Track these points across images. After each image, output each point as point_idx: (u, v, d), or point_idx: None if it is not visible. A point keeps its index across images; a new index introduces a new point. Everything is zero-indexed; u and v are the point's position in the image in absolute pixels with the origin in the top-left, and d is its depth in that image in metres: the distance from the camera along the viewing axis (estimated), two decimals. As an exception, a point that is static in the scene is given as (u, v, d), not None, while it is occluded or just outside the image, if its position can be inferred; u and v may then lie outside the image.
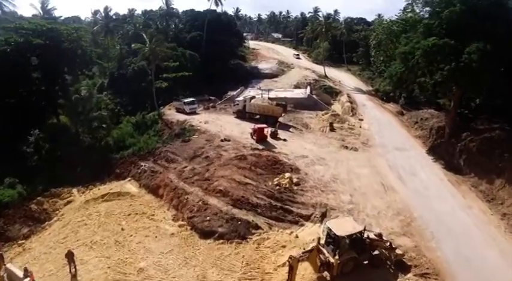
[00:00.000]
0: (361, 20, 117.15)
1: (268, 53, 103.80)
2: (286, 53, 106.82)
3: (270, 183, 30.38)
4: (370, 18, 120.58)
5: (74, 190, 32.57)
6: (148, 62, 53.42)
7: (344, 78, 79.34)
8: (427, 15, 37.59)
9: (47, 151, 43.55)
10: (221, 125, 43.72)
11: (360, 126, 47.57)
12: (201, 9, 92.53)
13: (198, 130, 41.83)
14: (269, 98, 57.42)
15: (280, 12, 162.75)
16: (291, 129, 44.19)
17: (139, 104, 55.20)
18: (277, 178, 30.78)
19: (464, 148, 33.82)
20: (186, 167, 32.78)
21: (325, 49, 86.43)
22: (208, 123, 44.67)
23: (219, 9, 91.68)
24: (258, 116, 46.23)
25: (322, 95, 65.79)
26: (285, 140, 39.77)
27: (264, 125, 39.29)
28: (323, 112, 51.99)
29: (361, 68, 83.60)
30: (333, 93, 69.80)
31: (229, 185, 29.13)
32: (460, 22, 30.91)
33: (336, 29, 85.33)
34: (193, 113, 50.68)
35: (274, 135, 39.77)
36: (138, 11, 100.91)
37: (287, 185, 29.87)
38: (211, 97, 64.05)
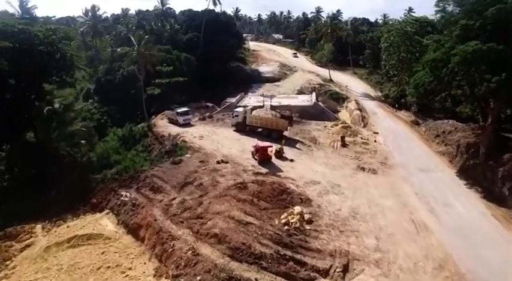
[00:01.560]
0: (365, 21, 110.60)
1: (269, 54, 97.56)
2: (288, 54, 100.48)
3: (277, 221, 24.24)
4: (371, 18, 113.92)
5: (38, 227, 26.23)
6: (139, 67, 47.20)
7: (350, 83, 73.15)
8: (456, 15, 31.26)
9: (21, 169, 37.63)
10: (218, 141, 37.43)
11: (375, 141, 41.36)
12: (199, 10, 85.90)
13: (191, 148, 35.57)
14: (271, 107, 51.39)
15: (281, 13, 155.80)
16: (297, 145, 37.93)
17: (129, 113, 49.05)
18: (285, 214, 24.63)
19: (508, 174, 27.73)
20: (174, 198, 26.53)
21: (329, 51, 80.00)
22: (203, 138, 38.41)
23: (217, 9, 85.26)
24: (260, 129, 39.95)
25: (329, 102, 59.66)
26: (292, 160, 33.51)
27: (268, 144, 32.96)
28: (332, 123, 45.72)
29: (369, 72, 77.33)
30: (339, 99, 63.82)
31: (226, 226, 22.93)
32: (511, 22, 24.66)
33: (342, 29, 78.84)
34: (188, 124, 44.47)
35: (279, 155, 33.54)
36: (133, 11, 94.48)
37: (297, 225, 23.72)
38: (208, 104, 57.91)
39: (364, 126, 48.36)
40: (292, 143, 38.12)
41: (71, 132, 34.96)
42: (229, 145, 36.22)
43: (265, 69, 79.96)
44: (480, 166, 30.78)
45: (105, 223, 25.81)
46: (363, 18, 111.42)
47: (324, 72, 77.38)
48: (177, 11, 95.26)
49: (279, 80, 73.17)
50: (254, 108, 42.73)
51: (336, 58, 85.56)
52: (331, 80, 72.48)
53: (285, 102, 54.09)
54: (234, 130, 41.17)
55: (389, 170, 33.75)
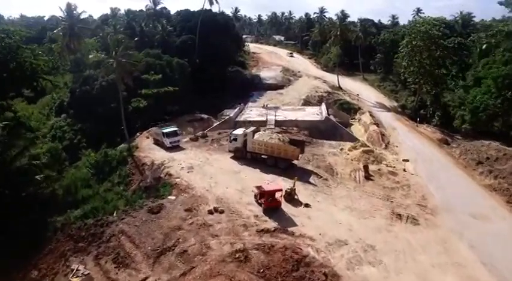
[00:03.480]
0: (369, 21, 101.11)
1: (271, 58, 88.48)
2: (290, 57, 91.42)
3: (294, 324, 15.72)
4: (371, 19, 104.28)
5: None
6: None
7: (361, 90, 64.43)
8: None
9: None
10: (211, 175, 28.62)
11: (404, 170, 32.77)
12: (195, 10, 76.48)
13: (177, 185, 26.88)
14: (276, 122, 42.81)
15: (282, 13, 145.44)
16: (311, 179, 29.29)
17: (108, 130, 40.17)
18: (306, 311, 16.11)
19: None
20: (145, 279, 17.90)
21: (336, 54, 71.13)
22: (193, 170, 29.62)
23: (215, 9, 75.95)
24: (264, 156, 31.28)
25: (340, 114, 50.97)
26: (306, 205, 24.83)
27: (277, 186, 24.17)
28: (350, 145, 36.98)
29: (381, 78, 68.57)
30: (350, 109, 55.16)
31: None
32: None
33: (352, 32, 69.91)
34: (176, 146, 35.79)
35: (290, 198, 24.90)
36: (124, 11, 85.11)
37: None
38: (203, 116, 49.40)
39: (386, 146, 39.80)
40: (304, 175, 29.41)
41: (20, 168, 26.12)
42: (226, 182, 27.47)
43: (266, 74, 71.18)
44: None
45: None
46: (367, 19, 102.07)
47: (331, 78, 68.72)
48: (173, 12, 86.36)
49: (282, 87, 64.45)
50: (256, 130, 33.83)
51: (342, 62, 76.91)
52: (339, 88, 63.73)
53: (291, 116, 45.45)
54: (231, 157, 32.41)
55: (433, 217, 25.15)
